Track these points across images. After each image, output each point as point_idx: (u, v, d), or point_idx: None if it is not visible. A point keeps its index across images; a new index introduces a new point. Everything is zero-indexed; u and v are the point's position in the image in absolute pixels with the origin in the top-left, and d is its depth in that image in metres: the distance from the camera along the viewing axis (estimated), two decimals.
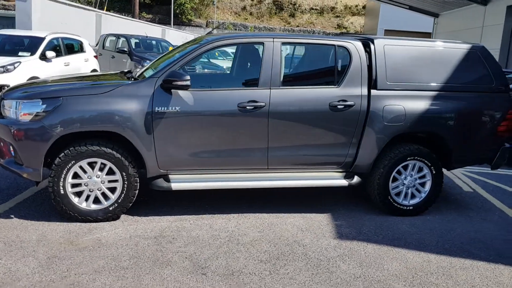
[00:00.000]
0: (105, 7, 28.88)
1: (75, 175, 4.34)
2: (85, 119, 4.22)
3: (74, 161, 4.27)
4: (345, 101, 4.76)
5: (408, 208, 5.13)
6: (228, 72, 5.57)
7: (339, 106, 4.74)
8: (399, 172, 5.08)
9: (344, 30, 48.76)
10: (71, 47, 11.25)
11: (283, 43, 4.80)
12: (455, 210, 5.50)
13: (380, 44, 4.98)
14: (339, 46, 4.92)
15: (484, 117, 5.20)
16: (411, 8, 25.31)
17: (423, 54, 5.12)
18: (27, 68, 8.95)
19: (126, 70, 5.26)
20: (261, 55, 4.72)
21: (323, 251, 4.11)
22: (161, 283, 3.39)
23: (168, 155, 4.48)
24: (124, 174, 4.39)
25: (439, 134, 5.06)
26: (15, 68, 8.78)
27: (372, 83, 4.90)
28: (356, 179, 5.01)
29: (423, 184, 5.17)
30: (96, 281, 3.36)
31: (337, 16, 50.43)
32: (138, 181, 4.47)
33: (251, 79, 4.78)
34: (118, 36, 13.98)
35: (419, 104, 4.96)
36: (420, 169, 5.12)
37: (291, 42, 4.95)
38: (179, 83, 4.29)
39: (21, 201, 4.86)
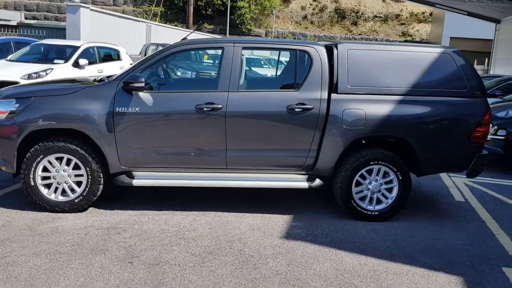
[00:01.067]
0: (157, 19, 30.25)
1: (45, 169, 4.75)
2: (51, 117, 4.64)
3: (42, 156, 4.69)
4: (303, 104, 4.83)
5: (373, 213, 5.08)
6: (195, 76, 5.82)
7: (296, 109, 4.82)
8: (363, 177, 5.06)
9: (409, 38, 47.47)
10: (108, 56, 12.02)
11: (244, 48, 4.97)
12: (431, 218, 5.35)
13: (343, 49, 5.01)
14: (300, 50, 5.01)
15: (455, 122, 5.04)
16: (469, 14, 24.23)
17: (390, 59, 5.07)
18: (59, 75, 9.72)
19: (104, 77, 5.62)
20: (221, 59, 4.92)
21: (260, 249, 4.21)
22: (86, 267, 3.68)
23: (129, 153, 4.78)
24: (88, 169, 4.75)
25: (403, 138, 4.99)
26: (46, 74, 9.59)
27: (333, 87, 4.94)
28: (317, 181, 5.05)
29: (389, 190, 5.10)
30: (29, 262, 3.71)
31: (402, 24, 49.20)
32: (101, 176, 4.81)
33: (212, 82, 4.98)
34: (158, 46, 14.70)
35: (381, 108, 4.92)
36: (386, 174, 5.06)
37: (252, 47, 5.11)
38: (135, 84, 4.60)
39: (9, 192, 5.37)
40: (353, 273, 3.87)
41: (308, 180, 5.07)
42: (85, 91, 4.75)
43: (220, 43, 5.00)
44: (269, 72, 14.90)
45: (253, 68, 14.57)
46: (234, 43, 4.94)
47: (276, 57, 7.24)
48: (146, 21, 19.94)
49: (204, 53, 10.74)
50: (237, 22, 39.12)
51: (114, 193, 5.41)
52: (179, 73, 5.29)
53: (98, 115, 4.66)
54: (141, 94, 4.72)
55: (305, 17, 46.78)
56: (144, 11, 39.88)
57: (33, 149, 4.69)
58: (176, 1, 39.82)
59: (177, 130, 4.78)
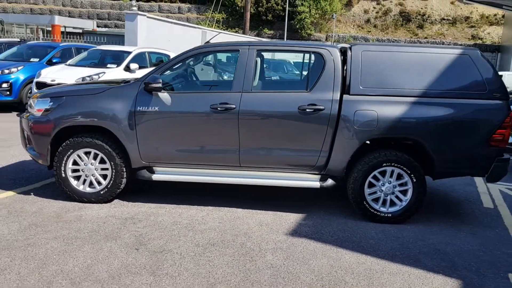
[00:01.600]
0: (213, 25, 30.92)
1: (75, 162, 5.18)
2: (79, 115, 5.06)
3: (72, 150, 5.12)
4: (315, 105, 4.93)
5: (386, 215, 5.07)
6: (213, 77, 6.07)
7: (308, 110, 4.93)
8: (377, 178, 5.07)
9: (479, 42, 45.36)
10: (160, 61, 12.61)
11: (258, 50, 5.16)
12: (450, 222, 5.26)
13: (357, 50, 5.06)
14: (313, 52, 5.12)
15: (473, 125, 4.93)
16: None
17: (406, 60, 5.06)
18: (110, 78, 10.37)
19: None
20: (236, 61, 5.14)
21: (262, 243, 4.37)
22: (96, 251, 4.01)
23: (149, 149, 5.10)
24: (112, 163, 5.13)
25: (417, 140, 4.95)
26: (99, 77, 10.25)
27: (346, 89, 5.00)
28: (329, 181, 5.12)
29: (404, 192, 5.07)
30: (48, 244, 4.10)
31: (472, 26, 47.04)
32: (124, 170, 5.17)
33: (227, 83, 5.20)
34: None
35: (394, 110, 4.92)
36: (400, 176, 5.04)
37: (267, 49, 5.28)
38: (153, 85, 4.92)
39: (47, 184, 5.88)
40: (347, 270, 3.93)
41: (321, 180, 5.15)
42: (110, 91, 5.14)
43: (236, 46, 5.22)
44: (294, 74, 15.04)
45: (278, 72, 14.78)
46: (249, 46, 5.14)
47: (300, 60, 7.33)
48: (202, 27, 20.59)
49: (227, 56, 10.96)
50: (297, 27, 39.22)
51: (141, 187, 5.76)
52: (198, 75, 5.61)
53: (121, 113, 5.02)
54: (160, 94, 5.03)
55: (368, 21, 45.99)
56: (207, 18, 40.98)
57: (64, 143, 5.13)
58: (237, 8, 40.57)
59: (193, 128, 5.04)
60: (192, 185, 5.77)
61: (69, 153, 5.13)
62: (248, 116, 4.98)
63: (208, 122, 5.03)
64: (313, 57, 5.14)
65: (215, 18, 40.80)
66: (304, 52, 5.20)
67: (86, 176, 5.20)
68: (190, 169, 5.23)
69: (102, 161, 5.17)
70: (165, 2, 42.18)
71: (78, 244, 4.14)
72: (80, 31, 29.08)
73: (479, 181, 7.19)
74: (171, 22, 17.14)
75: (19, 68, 11.00)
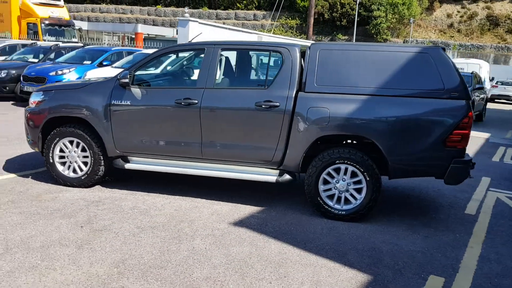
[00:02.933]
0: (272, 30, 31.23)
1: (61, 150, 5.78)
2: (62, 107, 5.64)
3: (58, 138, 5.72)
4: (270, 101, 5.10)
5: (340, 212, 5.09)
6: (182, 73, 6.37)
7: (263, 106, 5.11)
8: (332, 175, 5.11)
9: None
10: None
11: (222, 49, 5.42)
12: (413, 225, 5.14)
13: (315, 49, 5.16)
14: (273, 51, 5.29)
15: (428, 125, 4.82)
16: None
17: (364, 58, 5.07)
18: None
19: None
20: (202, 60, 5.45)
21: (199, 230, 4.62)
22: (45, 226, 4.50)
23: (122, 140, 5.56)
24: (91, 152, 5.66)
25: (369, 138, 4.94)
26: None
27: (302, 86, 5.12)
28: (286, 177, 5.25)
29: (359, 190, 5.07)
30: (10, 217, 4.67)
31: None
32: (102, 158, 5.67)
33: (193, 79, 5.53)
34: None
35: (346, 108, 4.96)
36: (354, 174, 5.04)
37: (230, 48, 5.53)
38: (122, 80, 5.38)
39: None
40: (262, 258, 4.07)
41: (279, 175, 5.29)
42: (91, 86, 5.67)
43: (202, 45, 5.53)
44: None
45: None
46: (214, 45, 5.43)
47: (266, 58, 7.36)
48: (258, 32, 21.05)
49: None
50: (372, 32, 38.45)
51: (130, 177, 6.25)
52: (167, 72, 6.05)
53: (98, 106, 5.53)
54: (132, 89, 5.47)
55: (451, 25, 43.83)
56: (281, 24, 41.52)
57: (52, 132, 5.74)
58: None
59: (160, 121, 5.42)
60: (175, 176, 6.14)
61: (55, 141, 5.73)
62: (209, 111, 5.26)
63: (173, 116, 5.38)
64: (273, 55, 5.31)
65: (289, 24, 41.23)
66: (265, 51, 5.38)
67: (70, 162, 5.77)
68: (159, 160, 5.60)
69: (83, 150, 5.71)
70: (242, 9, 43.36)
71: (35, 219, 4.67)
72: (163, 38, 30.88)
73: (480, 187, 6.85)
74: (224, 28, 17.78)
75: (71, 69, 12.13)
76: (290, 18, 41.85)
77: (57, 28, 21.32)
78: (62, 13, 21.88)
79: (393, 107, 4.89)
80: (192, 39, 6.49)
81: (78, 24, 25.44)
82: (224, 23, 42.25)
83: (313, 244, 4.44)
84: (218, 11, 42.69)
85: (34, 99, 5.88)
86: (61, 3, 22.73)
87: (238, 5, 43.67)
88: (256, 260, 4.04)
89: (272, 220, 5.02)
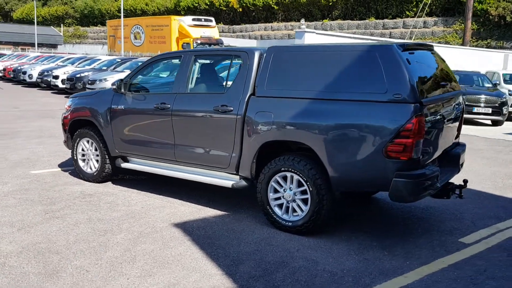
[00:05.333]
0: (413, 37, 28.42)
1: (83, 149, 6.65)
2: (79, 111, 6.50)
3: (79, 138, 6.61)
4: (226, 106, 5.12)
5: (286, 223, 4.82)
6: (165, 80, 6.56)
7: (220, 110, 5.16)
8: (281, 184, 4.88)
9: None
10: None
11: (196, 56, 5.61)
12: (367, 246, 4.59)
13: (270, 52, 5.00)
14: (235, 55, 5.28)
15: (366, 131, 4.28)
16: None
17: (316, 60, 4.76)
18: None
19: None
20: (178, 67, 5.73)
21: (135, 226, 4.90)
22: (21, 209, 5.29)
23: (118, 141, 6.15)
24: (99, 151, 6.40)
25: (309, 146, 4.59)
26: None
27: (254, 90, 5.01)
28: (241, 183, 5.18)
29: (306, 201, 4.73)
30: (8, 200, 5.61)
31: None
32: (107, 157, 6.35)
33: (170, 85, 5.82)
34: None
35: (288, 112, 4.71)
36: (301, 184, 4.73)
37: (202, 55, 5.66)
38: (113, 87, 5.98)
39: None
40: (156, 257, 4.17)
41: (240, 180, 5.23)
42: (101, 92, 6.42)
43: (179, 53, 5.80)
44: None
45: None
46: (191, 52, 5.66)
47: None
48: (385, 39, 19.87)
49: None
50: None
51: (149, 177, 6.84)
52: (155, 79, 6.37)
53: (103, 110, 6.23)
54: (126, 95, 6.03)
55: None
56: (455, 30, 38.34)
57: (76, 133, 6.66)
58: (490, 17, 36.59)
59: (144, 124, 5.87)
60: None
61: (78, 140, 6.63)
62: (178, 115, 5.51)
63: (153, 120, 5.76)
64: (234, 60, 5.30)
65: (463, 30, 37.70)
66: (229, 56, 5.39)
67: (87, 160, 6.60)
68: (149, 161, 6.02)
69: (96, 149, 6.48)
70: (411, 17, 41.30)
71: (25, 205, 5.51)
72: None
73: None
74: (344, 37, 17.40)
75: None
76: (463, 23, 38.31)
77: (207, 46, 23.54)
78: (213, 32, 24.11)
79: (331, 112, 4.47)
80: (197, 46, 6.78)
81: (228, 41, 27.59)
82: (390, 33, 40.90)
83: (225, 251, 4.34)
84: (386, 21, 41.50)
85: (67, 104, 6.88)
86: (213, 24, 25.06)
87: (408, 13, 41.74)
88: (147, 257, 4.15)
89: (216, 225, 5.01)
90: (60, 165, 7.47)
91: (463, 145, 5.52)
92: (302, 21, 17.59)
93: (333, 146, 4.45)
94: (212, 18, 25.83)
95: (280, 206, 4.90)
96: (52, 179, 6.67)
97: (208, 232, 4.79)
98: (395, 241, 4.70)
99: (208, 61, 5.70)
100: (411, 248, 4.55)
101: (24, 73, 22.72)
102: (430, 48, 5.15)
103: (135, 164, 6.12)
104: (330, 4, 44.71)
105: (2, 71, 26.98)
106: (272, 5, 46.05)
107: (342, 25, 43.62)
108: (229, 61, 5.32)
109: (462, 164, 5.32)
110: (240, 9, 48.46)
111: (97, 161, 6.48)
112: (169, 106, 5.56)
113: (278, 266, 4.05)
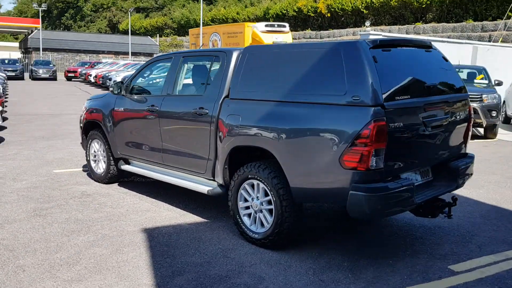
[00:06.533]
0: (500, 39, 25.25)
1: (94, 150, 6.80)
2: (91, 113, 6.63)
3: (91, 140, 6.77)
4: (202, 108, 4.91)
5: (253, 235, 4.48)
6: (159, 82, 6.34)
7: (197, 113, 4.96)
8: (249, 192, 4.55)
9: None
10: None
11: (184, 57, 5.46)
12: (331, 265, 4.13)
13: (245, 52, 4.71)
14: (215, 56, 5.05)
15: (323, 137, 3.83)
16: None
17: (284, 60, 4.38)
18: None
19: None
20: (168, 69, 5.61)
21: (107, 228, 4.85)
22: (17, 207, 5.50)
23: (120, 143, 6.18)
24: (106, 153, 6.49)
25: (270, 152, 4.21)
26: None
27: (229, 92, 4.75)
28: (216, 189, 4.92)
29: (272, 212, 4.36)
30: (13, 195, 5.87)
31: None
32: (111, 159, 6.42)
33: (161, 88, 5.71)
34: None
35: (253, 115, 4.40)
36: (267, 193, 4.37)
37: (188, 56, 5.48)
38: (110, 89, 6.01)
39: None
40: (99, 261, 4.07)
41: (216, 186, 4.98)
42: (108, 95, 6.50)
43: (171, 55, 5.66)
44: None
45: None
46: (180, 53, 5.53)
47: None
48: (471, 41, 18.07)
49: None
50: None
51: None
52: (152, 81, 6.20)
53: (107, 112, 6.32)
54: (126, 97, 6.05)
55: None
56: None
57: (89, 134, 6.83)
58: None
59: (138, 127, 5.83)
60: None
61: (89, 142, 6.79)
62: (164, 118, 5.40)
63: (145, 122, 5.70)
64: (215, 60, 5.05)
65: None
66: (211, 56, 5.14)
67: (98, 161, 6.73)
68: (144, 164, 5.97)
69: (104, 150, 6.58)
70: None
71: (21, 200, 5.73)
72: None
73: None
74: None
75: None
76: None
77: None
78: (286, 38, 23.87)
79: (291, 116, 4.07)
80: (200, 46, 6.59)
81: None
82: (490, 36, 37.72)
83: (172, 261, 4.11)
84: (484, 22, 38.48)
85: (83, 106, 7.08)
86: (286, 29, 24.79)
87: (510, 13, 38.35)
88: (91, 261, 4.06)
89: (185, 232, 4.80)
90: (84, 166, 7.71)
91: (470, 157, 4.76)
92: (367, 23, 16.65)
93: (292, 153, 4.04)
94: (286, 24, 25.62)
95: (249, 216, 4.57)
96: (66, 178, 6.89)
97: (171, 240, 4.58)
98: (370, 263, 4.14)
99: (194, 63, 5.52)
100: (384, 272, 3.97)
101: (110, 79, 24.22)
102: (425, 46, 4.51)
103: (132, 167, 6.11)
104: (424, 6, 42.51)
105: (94, 78, 29.11)
106: (362, 9, 44.70)
107: (436, 28, 41.22)
108: (214, 62, 5.08)
109: (465, 178, 4.58)
110: (328, 14, 47.76)
111: (105, 162, 6.57)
112: (157, 108, 5.47)
113: (216, 281, 3.73)
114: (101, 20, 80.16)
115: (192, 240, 4.60)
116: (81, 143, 7.16)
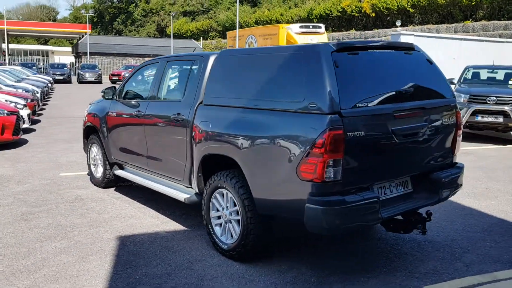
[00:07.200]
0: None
1: (93, 154, 6.84)
2: (90, 118, 6.66)
3: (90, 145, 6.82)
4: (180, 114, 4.80)
5: (223, 246, 4.31)
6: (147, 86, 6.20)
7: (175, 119, 4.85)
8: (220, 201, 4.40)
9: None
10: None
11: (167, 61, 5.37)
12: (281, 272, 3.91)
13: (219, 57, 4.56)
14: (193, 60, 4.92)
15: (281, 147, 3.62)
16: None
17: (252, 65, 4.21)
18: None
19: None
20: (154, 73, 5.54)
21: (84, 234, 4.83)
22: (9, 208, 5.61)
23: (113, 148, 6.18)
24: (102, 157, 6.51)
25: (235, 160, 4.04)
26: None
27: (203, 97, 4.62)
28: (192, 197, 4.79)
29: (239, 222, 4.19)
30: (6, 199, 6.00)
31: None
32: (107, 163, 6.43)
33: (148, 92, 5.63)
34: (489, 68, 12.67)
35: (220, 122, 4.25)
36: (235, 203, 4.20)
37: (171, 60, 5.37)
38: (101, 94, 6.02)
39: None
40: (56, 266, 4.03)
41: (193, 194, 4.86)
42: (103, 101, 6.50)
43: (157, 59, 5.58)
44: None
45: None
46: (164, 58, 5.45)
47: None
48: (499, 39, 16.94)
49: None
50: None
51: None
52: (143, 85, 6.08)
53: (101, 116, 6.33)
54: (118, 102, 6.04)
55: None
56: None
57: (89, 139, 6.88)
58: None
59: (127, 131, 5.80)
60: None
61: (89, 146, 6.84)
62: (147, 123, 5.33)
63: (133, 127, 5.65)
64: (193, 65, 4.92)
65: None
66: (188, 61, 5.02)
67: (96, 165, 6.77)
68: (133, 169, 5.92)
69: (101, 155, 6.61)
70: None
71: (15, 203, 5.83)
72: None
73: None
74: (446, 38, 15.46)
75: None
76: None
77: None
78: (321, 39, 23.40)
79: (252, 123, 3.90)
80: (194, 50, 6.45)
81: None
82: None
83: (133, 271, 4.01)
84: None
85: (86, 110, 7.15)
86: (321, 30, 24.31)
87: None
88: (52, 270, 4.02)
89: (159, 241, 4.70)
90: None
91: (458, 167, 4.36)
92: (398, 22, 16.00)
93: (253, 162, 3.85)
94: (322, 25, 25.14)
95: (221, 226, 4.41)
96: (68, 182, 6.97)
97: (141, 249, 4.49)
98: (340, 279, 3.87)
99: (176, 67, 5.41)
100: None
101: None
102: (404, 48, 4.17)
103: (124, 172, 6.09)
104: (473, 4, 40.80)
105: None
106: (408, 8, 43.42)
107: (487, 26, 39.37)
108: (193, 66, 4.95)
109: (451, 190, 4.20)
110: (373, 14, 46.70)
111: (102, 166, 6.59)
112: (142, 113, 5.41)
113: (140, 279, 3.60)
114: (150, 25, 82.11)
115: (162, 249, 4.48)
116: (83, 147, 7.23)
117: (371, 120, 3.55)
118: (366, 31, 47.91)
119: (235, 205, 4.16)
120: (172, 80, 5.39)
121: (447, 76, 12.91)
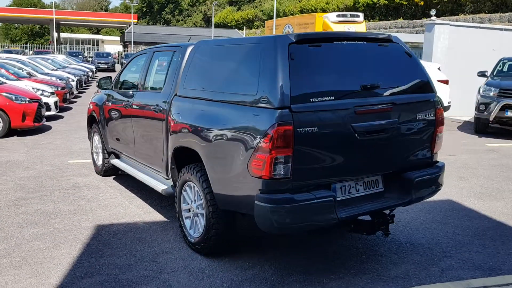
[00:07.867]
0: None
1: (96, 142, 6.96)
2: (92, 107, 6.75)
3: (93, 133, 6.93)
4: (157, 105, 4.78)
5: (190, 239, 4.27)
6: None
7: (155, 110, 4.83)
8: (189, 194, 4.35)
9: None
10: None
11: (154, 52, 5.34)
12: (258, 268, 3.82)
13: (195, 48, 4.48)
14: (174, 51, 4.86)
15: (235, 141, 3.51)
16: None
17: (220, 56, 4.12)
18: None
19: None
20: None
21: (66, 222, 4.91)
22: (6, 194, 5.80)
23: (109, 137, 6.25)
24: (101, 146, 6.61)
25: (197, 152, 3.97)
26: None
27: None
28: (168, 189, 4.76)
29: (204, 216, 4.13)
30: (6, 184, 6.20)
31: None
32: (105, 152, 6.51)
33: (136, 83, 5.63)
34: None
35: (187, 114, 4.21)
36: (200, 196, 4.14)
37: (157, 51, 5.32)
38: (96, 85, 6.08)
39: None
40: (24, 254, 4.12)
41: (169, 186, 4.83)
42: (101, 92, 6.58)
43: (146, 50, 5.55)
44: None
45: None
46: (151, 48, 5.42)
47: None
48: None
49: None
50: None
51: None
52: (133, 76, 5.99)
53: (100, 106, 6.42)
54: (114, 92, 6.09)
55: None
56: None
57: (92, 127, 6.99)
58: None
59: (118, 121, 5.84)
60: None
61: (92, 134, 6.96)
62: (134, 113, 5.35)
63: (124, 116, 5.69)
64: (174, 56, 4.85)
65: None
66: (171, 51, 4.94)
67: (97, 153, 6.88)
68: (126, 158, 5.96)
69: (101, 144, 6.71)
70: None
71: (13, 188, 6.01)
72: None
73: None
74: (491, 28, 14.57)
75: None
76: None
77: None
78: (359, 28, 22.65)
79: (212, 116, 3.81)
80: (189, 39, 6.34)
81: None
82: None
83: (96, 261, 4.04)
84: None
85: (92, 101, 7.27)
86: (360, 19, 23.51)
87: None
88: (20, 255, 4.11)
89: (134, 232, 4.71)
90: None
91: (437, 167, 4.07)
92: (432, 11, 15.28)
93: (212, 156, 3.77)
94: (360, 14, 24.33)
95: (190, 219, 4.36)
96: (73, 169, 7.13)
97: (113, 239, 4.51)
98: (300, 279, 3.72)
99: (160, 58, 5.36)
100: None
101: None
102: (378, 39, 3.91)
103: (118, 161, 6.15)
104: None
105: None
106: None
107: None
108: (174, 58, 4.89)
109: (426, 191, 3.94)
110: (422, 3, 45.00)
111: (102, 155, 6.70)
112: (130, 103, 5.43)
113: (121, 287, 3.59)
114: (197, 14, 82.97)
115: (133, 240, 4.49)
116: (87, 135, 7.36)
117: (327, 115, 3.36)
118: (414, 20, 46.27)
119: (201, 199, 4.09)
120: (156, 70, 5.36)
121: (484, 68, 12.31)
